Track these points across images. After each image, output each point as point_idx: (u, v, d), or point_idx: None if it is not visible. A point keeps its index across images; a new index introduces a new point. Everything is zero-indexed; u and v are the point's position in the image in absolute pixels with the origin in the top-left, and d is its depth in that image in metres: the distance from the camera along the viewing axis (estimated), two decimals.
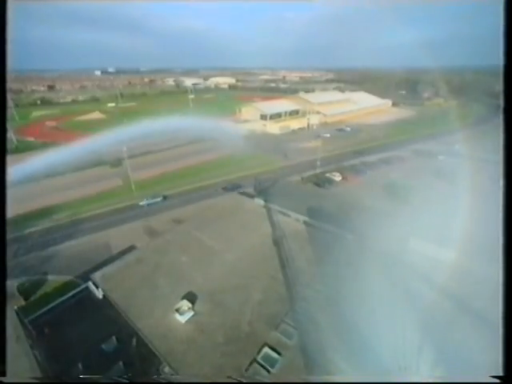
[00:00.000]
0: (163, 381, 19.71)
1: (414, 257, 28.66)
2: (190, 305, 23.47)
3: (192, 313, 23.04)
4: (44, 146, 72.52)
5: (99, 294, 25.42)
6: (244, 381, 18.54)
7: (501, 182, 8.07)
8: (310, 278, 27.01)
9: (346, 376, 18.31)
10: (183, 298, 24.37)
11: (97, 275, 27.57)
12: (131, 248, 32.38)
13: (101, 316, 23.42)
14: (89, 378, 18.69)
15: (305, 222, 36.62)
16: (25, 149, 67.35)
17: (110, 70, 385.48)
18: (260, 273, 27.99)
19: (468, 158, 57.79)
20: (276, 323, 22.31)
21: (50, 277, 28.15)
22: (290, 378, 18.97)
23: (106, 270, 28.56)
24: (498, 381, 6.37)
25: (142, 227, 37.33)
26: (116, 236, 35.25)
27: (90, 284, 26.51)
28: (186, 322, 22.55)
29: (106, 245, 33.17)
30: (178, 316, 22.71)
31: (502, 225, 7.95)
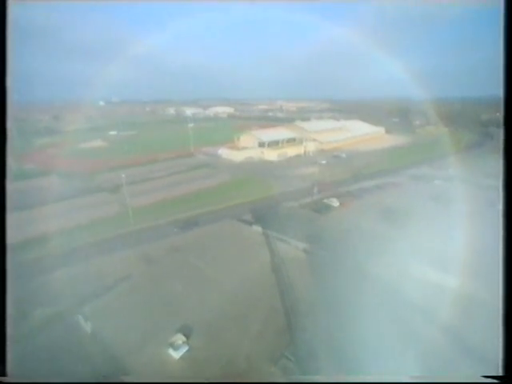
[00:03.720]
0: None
1: (411, 281, 28.15)
2: (184, 338, 22.31)
3: (187, 347, 21.81)
4: (44, 173, 72.93)
5: (88, 327, 24.13)
6: None
7: (500, 207, 8.10)
8: (310, 307, 26.05)
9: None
10: (178, 330, 23.22)
11: (86, 308, 26.46)
12: (125, 277, 31.33)
13: (88, 352, 22.02)
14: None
15: (304, 250, 36.04)
16: (24, 176, 67.55)
17: (114, 99, 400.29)
18: (258, 302, 26.97)
19: (462, 182, 58.65)
20: (275, 357, 21.09)
21: (37, 309, 26.68)
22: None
23: (97, 301, 27.48)
24: (497, 381, 6.44)
25: (137, 255, 36.41)
26: (110, 263, 34.22)
27: (79, 317, 25.23)
28: (180, 357, 21.28)
29: (98, 273, 32.08)
30: (171, 351, 21.46)
31: (500, 248, 7.86)
